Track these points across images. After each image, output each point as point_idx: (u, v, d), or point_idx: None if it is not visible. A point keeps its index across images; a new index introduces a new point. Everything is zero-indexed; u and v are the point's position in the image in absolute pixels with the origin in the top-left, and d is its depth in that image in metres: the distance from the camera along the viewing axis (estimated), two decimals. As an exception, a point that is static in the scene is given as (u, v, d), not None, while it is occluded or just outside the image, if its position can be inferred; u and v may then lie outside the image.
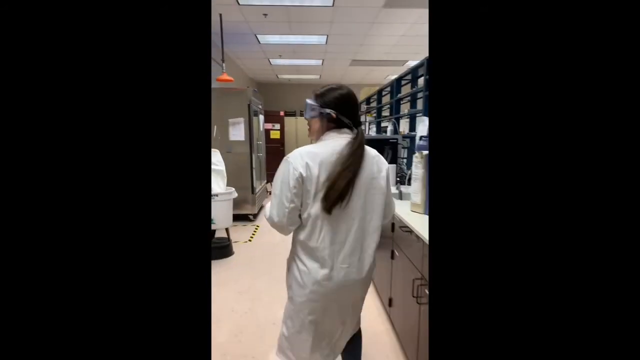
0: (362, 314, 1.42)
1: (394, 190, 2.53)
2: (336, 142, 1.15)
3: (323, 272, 1.16)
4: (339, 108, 1.17)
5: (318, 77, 8.11)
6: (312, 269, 1.17)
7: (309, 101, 1.20)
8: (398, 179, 3.00)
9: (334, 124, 1.18)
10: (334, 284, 1.18)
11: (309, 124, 1.24)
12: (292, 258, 1.25)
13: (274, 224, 1.17)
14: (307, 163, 1.11)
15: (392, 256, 2.01)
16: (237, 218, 4.56)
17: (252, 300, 2.58)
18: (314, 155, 1.13)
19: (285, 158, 1.15)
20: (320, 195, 1.12)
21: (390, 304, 2.11)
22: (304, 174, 1.11)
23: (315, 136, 1.22)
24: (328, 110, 1.16)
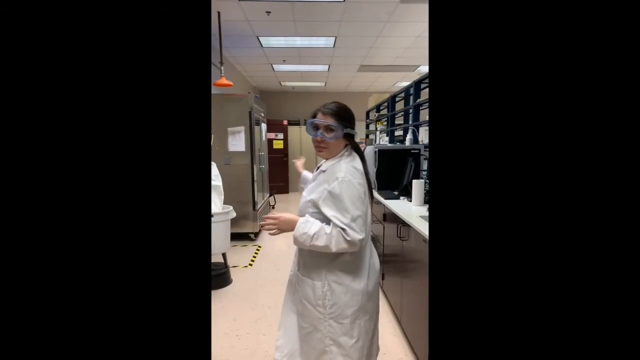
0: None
1: (424, 211, 2.12)
2: (357, 155, 1.30)
3: (367, 263, 1.29)
4: (353, 125, 1.27)
5: (323, 84, 7.75)
6: (360, 265, 1.26)
7: (330, 123, 1.21)
8: (425, 195, 2.54)
9: (348, 140, 1.28)
10: (377, 272, 1.34)
11: (325, 145, 1.24)
12: (326, 277, 1.23)
13: (361, 242, 1.17)
14: (361, 177, 1.23)
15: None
16: (236, 237, 4.10)
17: (251, 350, 2.12)
18: (356, 169, 1.23)
19: (342, 179, 1.17)
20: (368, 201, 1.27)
21: (430, 363, 1.64)
22: (365, 187, 1.23)
23: (332, 154, 1.27)
24: (351, 131, 1.26)
